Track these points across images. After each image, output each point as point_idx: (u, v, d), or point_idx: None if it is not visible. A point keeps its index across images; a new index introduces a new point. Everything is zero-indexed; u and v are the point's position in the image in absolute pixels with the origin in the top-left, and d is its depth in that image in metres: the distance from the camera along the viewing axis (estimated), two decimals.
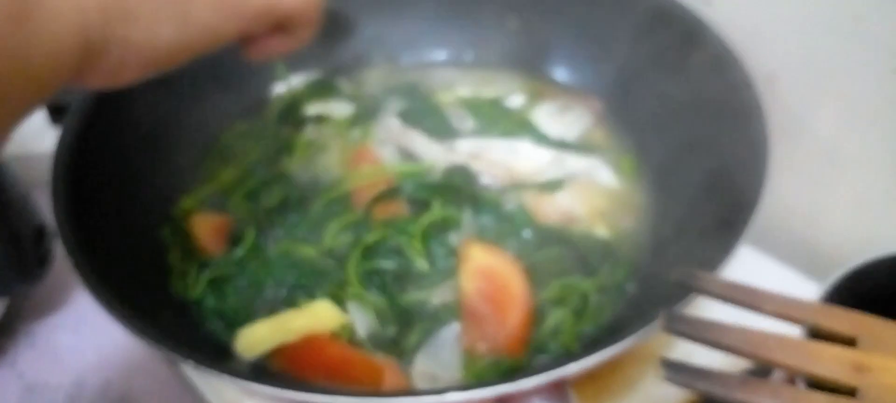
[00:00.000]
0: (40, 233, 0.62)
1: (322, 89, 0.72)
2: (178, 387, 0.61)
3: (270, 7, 0.43)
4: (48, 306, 0.67)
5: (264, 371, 0.51)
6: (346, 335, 0.52)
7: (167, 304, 0.55)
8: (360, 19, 0.71)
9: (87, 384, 0.62)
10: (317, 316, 0.53)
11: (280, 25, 0.45)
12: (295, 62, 0.72)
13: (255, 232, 0.59)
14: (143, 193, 0.59)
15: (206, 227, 0.60)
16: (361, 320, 0.53)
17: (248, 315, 0.54)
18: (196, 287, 0.56)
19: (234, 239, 0.59)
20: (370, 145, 0.66)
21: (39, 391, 0.61)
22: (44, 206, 0.59)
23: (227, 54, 0.67)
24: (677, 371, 0.31)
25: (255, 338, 0.52)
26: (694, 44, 0.60)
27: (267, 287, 0.56)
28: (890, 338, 0.33)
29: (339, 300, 0.54)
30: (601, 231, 0.59)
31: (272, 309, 0.54)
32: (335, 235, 0.58)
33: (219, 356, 0.52)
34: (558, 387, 0.38)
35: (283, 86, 0.72)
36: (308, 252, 0.57)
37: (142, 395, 0.61)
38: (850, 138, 0.60)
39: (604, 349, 0.39)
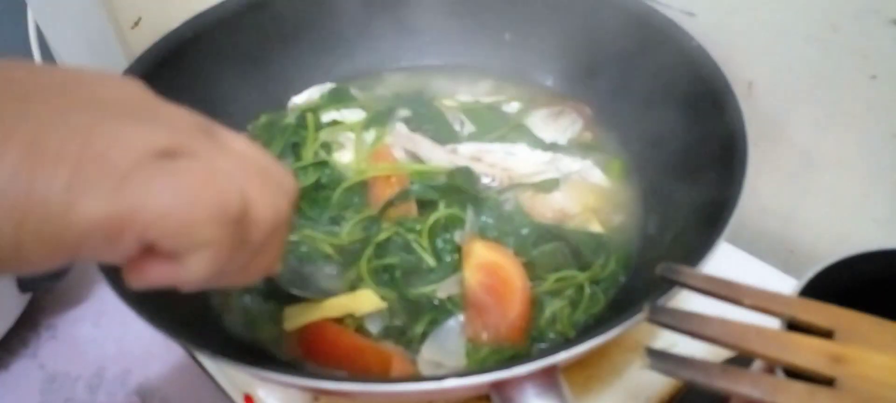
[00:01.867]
0: None
1: (337, 98, 0.73)
2: (195, 376, 0.61)
3: (118, 226, 0.25)
4: (69, 300, 0.67)
5: (277, 360, 0.51)
6: (355, 325, 0.53)
7: (185, 296, 0.54)
8: (372, 32, 0.72)
9: (106, 374, 0.62)
10: (357, 299, 0.54)
11: (151, 250, 0.27)
12: (311, 75, 0.74)
13: None
14: None
15: None
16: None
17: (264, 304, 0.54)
18: None
19: None
20: (386, 146, 0.67)
21: (60, 380, 0.61)
22: None
23: (253, 59, 0.69)
24: (661, 360, 0.31)
25: (301, 311, 0.53)
26: (677, 53, 0.60)
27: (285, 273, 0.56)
28: (866, 331, 0.33)
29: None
30: (594, 227, 0.60)
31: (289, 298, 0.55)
32: (351, 231, 0.59)
33: (234, 346, 0.52)
34: (549, 374, 0.38)
35: (302, 97, 0.73)
36: (324, 246, 0.58)
37: (160, 384, 0.61)
38: (827, 141, 0.60)
39: (591, 338, 0.40)
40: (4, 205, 0.24)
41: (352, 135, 0.68)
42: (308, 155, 0.65)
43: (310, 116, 0.68)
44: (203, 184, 0.27)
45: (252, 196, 0.29)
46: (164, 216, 0.26)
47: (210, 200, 0.27)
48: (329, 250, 0.58)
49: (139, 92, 0.30)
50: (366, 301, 0.54)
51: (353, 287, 0.55)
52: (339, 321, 0.53)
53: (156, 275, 0.28)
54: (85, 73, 0.29)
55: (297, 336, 0.52)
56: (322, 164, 0.64)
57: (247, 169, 0.30)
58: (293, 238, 0.59)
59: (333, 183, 0.62)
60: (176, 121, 0.29)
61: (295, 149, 0.66)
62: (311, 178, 0.62)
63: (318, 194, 0.62)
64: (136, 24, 0.74)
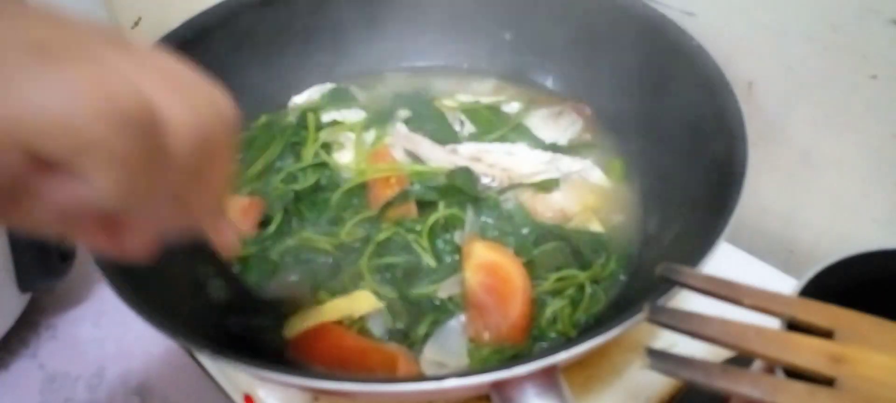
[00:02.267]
0: None
1: (337, 98, 0.73)
2: (195, 376, 0.61)
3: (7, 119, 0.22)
4: (69, 300, 0.67)
5: (278, 360, 0.51)
6: (357, 328, 0.53)
7: (186, 297, 0.55)
8: (372, 33, 0.72)
9: (106, 374, 0.62)
10: (356, 301, 0.54)
11: (44, 163, 0.23)
12: (310, 76, 0.74)
13: (282, 215, 0.59)
14: None
15: (237, 208, 0.61)
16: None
17: (265, 304, 0.55)
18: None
19: (262, 224, 0.60)
20: (386, 146, 0.67)
21: (60, 380, 0.61)
22: None
23: (253, 59, 0.69)
24: (661, 360, 0.31)
25: (302, 316, 0.53)
26: (677, 53, 0.60)
27: (284, 275, 0.57)
28: (866, 331, 0.33)
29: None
30: (594, 226, 0.60)
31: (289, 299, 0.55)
32: (350, 230, 0.59)
33: (235, 346, 0.52)
34: (549, 374, 0.38)
35: (302, 97, 0.73)
36: (324, 244, 0.58)
37: (160, 384, 0.61)
38: (827, 141, 0.60)
39: (591, 339, 0.40)
40: None
41: (352, 136, 0.68)
42: (308, 155, 0.65)
43: (310, 116, 0.68)
44: (93, 83, 0.23)
45: (160, 99, 0.25)
46: (48, 122, 0.22)
47: (96, 94, 0.23)
48: (328, 248, 0.58)
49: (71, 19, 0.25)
50: (363, 302, 0.54)
51: (352, 286, 0.55)
52: (340, 324, 0.53)
53: (59, 197, 0.24)
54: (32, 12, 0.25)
55: (298, 342, 0.52)
56: (321, 166, 0.64)
57: (157, 75, 0.26)
58: (290, 242, 0.58)
59: (333, 184, 0.63)
60: (83, 26, 0.25)
61: (295, 148, 0.66)
62: (310, 180, 0.62)
63: (317, 196, 0.62)
64: (136, 24, 0.74)
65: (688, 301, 0.43)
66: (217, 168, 0.29)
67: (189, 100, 0.26)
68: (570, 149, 0.67)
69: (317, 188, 0.62)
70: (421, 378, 0.49)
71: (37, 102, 0.22)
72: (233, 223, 0.37)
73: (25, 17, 0.24)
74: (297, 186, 0.62)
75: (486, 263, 0.54)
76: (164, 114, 0.25)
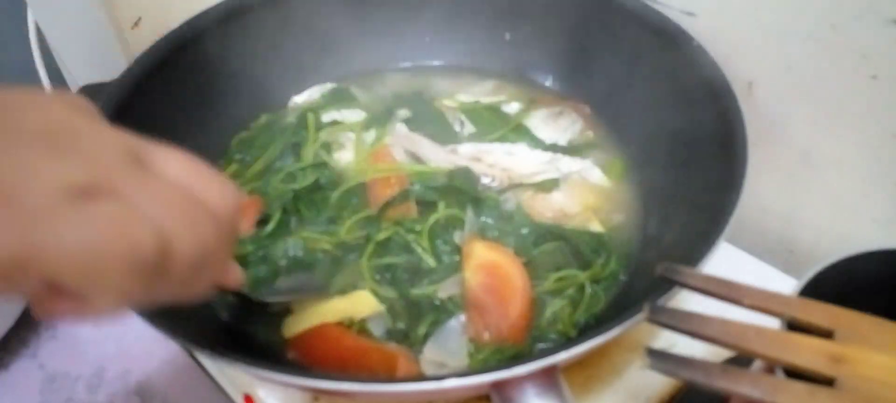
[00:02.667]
0: None
1: (337, 98, 0.73)
2: (195, 376, 0.61)
3: (21, 265, 0.24)
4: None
5: (278, 360, 0.51)
6: (357, 328, 0.53)
7: None
8: (373, 33, 0.72)
9: (106, 373, 0.62)
10: (356, 302, 0.54)
11: (57, 289, 0.26)
12: (312, 75, 0.74)
13: (280, 214, 0.59)
14: None
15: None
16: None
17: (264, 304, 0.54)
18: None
19: (261, 222, 0.60)
20: (386, 146, 0.67)
21: (60, 380, 0.61)
22: None
23: (254, 59, 0.69)
24: (661, 360, 0.31)
25: (301, 317, 0.53)
26: (677, 53, 0.60)
27: (283, 274, 0.57)
28: (866, 331, 0.33)
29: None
30: (594, 226, 0.60)
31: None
32: (350, 229, 0.59)
33: (234, 346, 0.52)
34: (549, 374, 0.38)
35: (302, 97, 0.73)
36: (324, 243, 0.58)
37: (159, 384, 0.61)
38: (827, 141, 0.60)
39: (591, 339, 0.40)
40: None
41: (352, 136, 0.68)
42: (308, 155, 0.65)
43: (310, 117, 0.68)
44: (117, 230, 0.25)
45: (172, 233, 0.27)
46: (70, 263, 0.24)
47: (121, 249, 0.25)
48: (328, 247, 0.58)
49: (68, 115, 0.27)
50: (363, 303, 0.54)
51: (352, 286, 0.55)
52: (340, 324, 0.53)
53: (60, 311, 0.27)
54: (17, 96, 0.27)
55: (298, 343, 0.52)
56: (321, 165, 0.64)
57: (171, 202, 0.28)
58: (290, 241, 0.58)
59: (332, 184, 0.62)
60: (101, 151, 0.27)
61: (295, 148, 0.66)
62: (309, 179, 0.62)
63: (316, 195, 0.62)
64: (136, 24, 0.74)
65: (688, 301, 0.43)
66: (217, 260, 0.31)
67: (193, 223, 0.29)
68: (570, 149, 0.67)
69: (316, 187, 0.62)
70: (421, 378, 0.49)
71: (62, 242, 0.24)
72: (235, 266, 0.38)
73: (50, 136, 0.26)
74: (296, 185, 0.62)
75: (486, 263, 0.54)
76: (173, 246, 0.27)
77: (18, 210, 0.24)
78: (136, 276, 0.26)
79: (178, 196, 0.29)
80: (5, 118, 0.26)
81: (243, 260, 0.57)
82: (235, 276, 0.39)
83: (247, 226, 0.59)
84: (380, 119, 0.70)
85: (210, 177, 0.31)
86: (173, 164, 0.30)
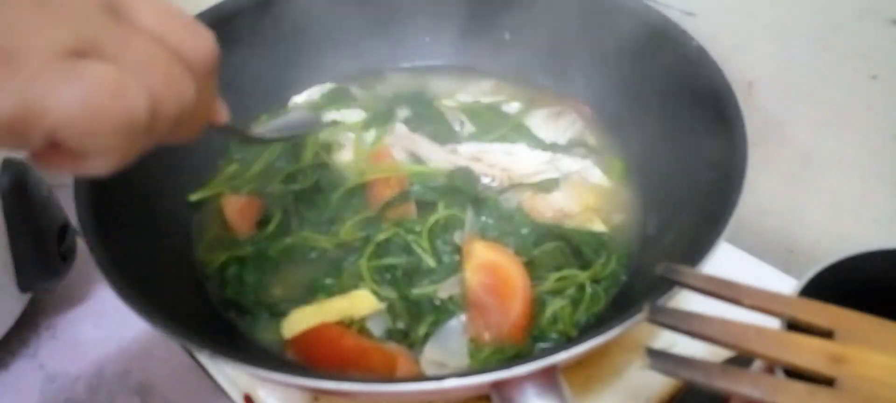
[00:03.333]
0: (63, 231, 0.62)
1: (337, 98, 0.73)
2: (195, 376, 0.61)
3: (23, 121, 0.26)
4: (70, 300, 0.67)
5: (278, 360, 0.51)
6: (357, 328, 0.53)
7: (185, 297, 0.55)
8: (373, 33, 0.72)
9: (106, 373, 0.62)
10: (355, 301, 0.54)
11: (57, 145, 0.28)
12: (311, 75, 0.74)
13: (281, 215, 0.59)
14: (165, 190, 0.59)
15: (235, 207, 0.61)
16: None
17: (264, 304, 0.55)
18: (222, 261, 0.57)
19: (261, 223, 0.60)
20: (386, 146, 0.67)
21: (60, 380, 0.61)
22: (67, 205, 0.58)
23: (253, 59, 0.69)
24: (661, 360, 0.31)
25: (300, 317, 0.53)
26: (677, 53, 0.60)
27: (283, 274, 0.57)
28: (866, 331, 0.33)
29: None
30: (596, 226, 0.60)
31: (288, 299, 0.55)
32: (350, 230, 0.59)
33: (235, 345, 0.52)
34: (549, 374, 0.38)
35: (302, 97, 0.73)
36: (324, 243, 0.58)
37: (160, 384, 0.61)
38: (826, 141, 0.60)
39: (591, 339, 0.40)
40: None
41: (352, 135, 0.68)
42: (308, 156, 0.65)
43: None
44: (111, 94, 0.27)
45: (158, 95, 0.29)
46: (70, 121, 0.27)
47: (117, 112, 0.27)
48: (328, 247, 0.58)
49: None
50: (363, 302, 0.53)
51: (352, 286, 0.55)
52: (340, 324, 0.53)
53: (59, 164, 0.29)
54: None
55: (298, 342, 0.52)
56: (321, 166, 0.64)
57: (154, 61, 0.30)
58: (290, 241, 0.58)
59: (332, 185, 0.62)
60: (82, 5, 0.28)
61: (295, 150, 0.66)
62: (310, 180, 0.62)
63: (316, 196, 0.62)
64: None
65: (688, 301, 0.43)
66: (200, 111, 0.33)
67: (176, 81, 0.31)
68: (570, 149, 0.67)
69: (316, 188, 0.62)
70: (421, 378, 0.49)
71: (63, 100, 0.26)
72: (220, 104, 0.39)
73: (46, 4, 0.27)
74: (297, 186, 0.62)
75: (487, 263, 0.54)
76: (159, 107, 0.29)
77: (21, 68, 0.26)
78: (130, 135, 0.28)
79: (160, 54, 0.30)
80: None
81: (243, 262, 0.57)
82: (221, 114, 0.39)
83: (247, 228, 0.60)
84: (380, 119, 0.70)
85: (184, 24, 0.32)
86: (147, 13, 0.31)
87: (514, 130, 0.69)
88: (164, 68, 0.30)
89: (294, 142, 0.58)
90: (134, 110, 0.28)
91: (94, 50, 0.28)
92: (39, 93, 0.26)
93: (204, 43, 0.33)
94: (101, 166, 0.29)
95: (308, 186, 0.62)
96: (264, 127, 0.57)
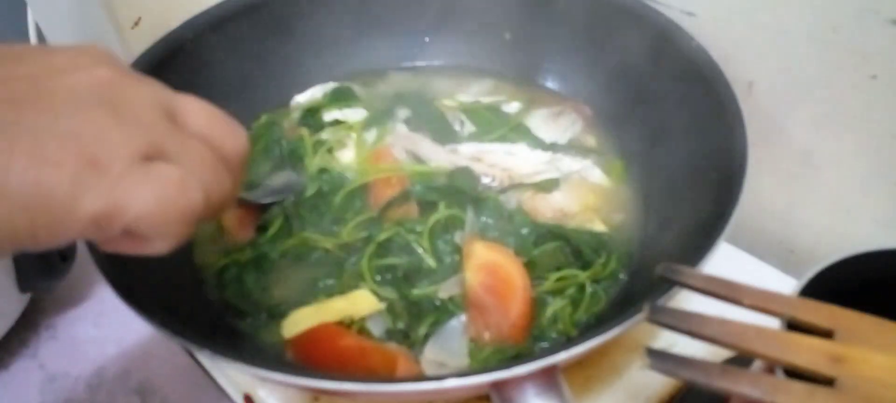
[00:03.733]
0: None
1: (339, 97, 0.73)
2: (195, 376, 0.61)
3: (108, 218, 0.31)
4: (70, 300, 0.67)
5: (278, 360, 0.51)
6: (357, 328, 0.53)
7: (186, 297, 0.55)
8: (373, 32, 0.72)
9: (106, 374, 0.62)
10: (355, 301, 0.54)
11: (129, 232, 0.32)
12: (312, 74, 0.74)
13: (282, 220, 0.59)
14: None
15: (234, 215, 0.61)
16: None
17: (263, 304, 0.55)
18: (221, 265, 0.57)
19: (260, 228, 0.60)
20: (387, 145, 0.67)
21: (60, 380, 0.61)
22: None
23: (254, 59, 0.69)
24: (661, 360, 0.31)
25: (300, 317, 0.53)
26: (676, 53, 0.60)
27: (283, 275, 0.57)
28: (866, 331, 0.33)
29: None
30: (596, 226, 0.60)
31: (289, 300, 0.55)
32: (352, 231, 0.59)
33: (235, 345, 0.52)
34: (549, 374, 0.38)
35: (304, 96, 0.73)
36: (325, 244, 0.58)
37: (160, 384, 0.61)
38: (826, 141, 0.60)
39: (591, 338, 0.40)
40: (20, 204, 0.29)
41: (353, 135, 0.68)
42: (310, 167, 0.65)
43: (306, 133, 0.68)
44: (177, 190, 0.32)
45: (209, 188, 0.34)
46: (147, 216, 0.31)
47: (181, 206, 0.32)
48: (329, 248, 0.58)
49: (107, 73, 0.33)
50: (363, 302, 0.54)
51: (353, 286, 0.55)
52: (340, 324, 0.53)
53: (126, 248, 0.34)
54: (55, 58, 0.33)
55: (298, 342, 0.52)
56: (322, 171, 0.64)
57: (204, 160, 0.35)
58: (290, 242, 0.59)
59: (334, 188, 0.62)
60: (146, 112, 0.33)
61: (292, 156, 0.66)
62: (312, 188, 0.62)
63: (318, 200, 0.61)
64: (136, 24, 0.74)
65: (688, 301, 0.43)
66: (231, 197, 0.38)
67: (222, 176, 0.35)
68: (570, 149, 0.67)
69: (318, 193, 0.62)
70: (421, 378, 0.49)
71: (141, 200, 0.31)
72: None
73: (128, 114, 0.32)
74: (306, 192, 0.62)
75: (487, 263, 0.54)
76: (211, 198, 0.34)
77: (107, 173, 0.30)
78: (190, 222, 0.33)
79: (208, 154, 0.35)
80: (57, 85, 0.32)
81: (242, 265, 0.57)
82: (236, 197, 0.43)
83: (246, 233, 0.60)
84: (380, 118, 0.70)
85: (224, 125, 0.37)
86: (196, 116, 0.36)
87: (514, 130, 0.69)
88: (212, 165, 0.35)
89: (281, 201, 0.60)
90: (195, 202, 0.33)
91: (160, 153, 0.32)
92: (122, 193, 0.30)
93: (241, 141, 0.38)
94: (162, 247, 0.34)
95: (310, 194, 0.62)
96: (252, 192, 0.59)
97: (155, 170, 0.32)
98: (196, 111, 0.36)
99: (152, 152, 0.32)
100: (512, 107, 0.72)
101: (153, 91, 0.35)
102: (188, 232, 0.34)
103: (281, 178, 0.62)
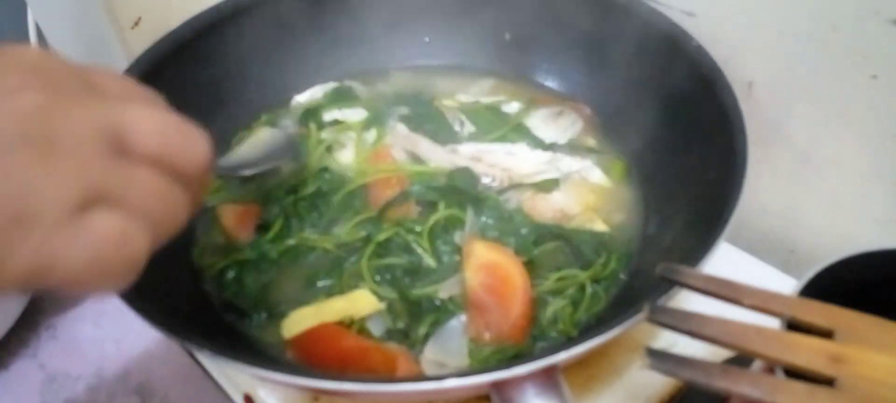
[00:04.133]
0: None
1: (340, 97, 0.73)
2: (195, 376, 0.61)
3: (40, 277, 0.28)
4: (70, 300, 0.67)
5: (278, 360, 0.51)
6: (357, 328, 0.53)
7: (186, 297, 0.55)
8: (373, 32, 0.72)
9: (106, 374, 0.62)
10: (355, 301, 0.54)
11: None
12: (312, 74, 0.74)
13: (282, 220, 0.59)
14: None
15: (233, 215, 0.60)
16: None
17: (263, 305, 0.55)
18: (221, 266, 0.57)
19: (260, 228, 0.60)
20: (387, 146, 0.67)
21: (60, 380, 0.61)
22: None
23: (254, 59, 0.69)
24: (661, 360, 0.31)
25: (300, 317, 0.53)
26: (676, 53, 0.60)
27: (283, 275, 0.57)
28: (866, 331, 0.33)
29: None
30: (597, 226, 0.60)
31: (289, 300, 0.55)
32: (351, 231, 0.59)
33: (234, 345, 0.52)
34: (549, 374, 0.38)
35: (304, 96, 0.73)
36: (325, 244, 0.58)
37: (160, 384, 0.61)
38: (826, 141, 0.60)
39: (591, 339, 0.40)
40: None
41: (352, 135, 0.68)
42: (311, 164, 0.65)
43: (312, 130, 0.68)
44: (115, 246, 0.29)
45: (159, 222, 0.31)
46: (81, 274, 0.28)
47: (121, 258, 0.29)
48: (329, 248, 0.58)
49: (36, 101, 0.28)
50: (363, 302, 0.54)
51: (353, 286, 0.55)
52: (340, 324, 0.53)
53: (65, 297, 0.33)
54: None
55: (298, 342, 0.52)
56: (322, 170, 0.64)
57: (154, 192, 0.31)
58: (290, 242, 0.59)
59: (333, 188, 0.62)
60: (82, 147, 0.28)
61: (296, 155, 0.66)
62: (311, 187, 0.62)
63: (317, 200, 0.61)
64: (136, 24, 0.74)
65: (688, 301, 0.43)
66: (193, 209, 0.35)
67: (176, 203, 0.32)
68: (571, 149, 0.67)
69: (318, 193, 0.62)
70: (421, 378, 0.49)
71: (75, 255, 0.28)
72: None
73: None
74: (297, 194, 0.62)
75: (487, 263, 0.54)
76: (160, 231, 0.31)
77: (32, 231, 0.27)
78: (131, 273, 0.30)
79: (158, 183, 0.31)
80: None
81: (243, 265, 0.57)
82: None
83: (246, 234, 0.59)
84: (380, 118, 0.70)
85: (181, 137, 0.33)
86: (147, 135, 0.31)
87: (515, 130, 0.69)
88: (162, 195, 0.31)
89: (271, 166, 0.59)
90: (137, 251, 0.30)
91: (100, 196, 0.29)
92: (53, 252, 0.27)
93: (200, 151, 0.34)
94: (103, 293, 0.31)
95: (310, 193, 0.62)
96: (233, 156, 0.57)
97: (91, 223, 0.28)
98: (147, 128, 0.31)
99: (91, 196, 0.28)
100: (512, 107, 0.72)
101: (93, 115, 0.29)
102: (133, 277, 0.31)
103: (277, 139, 0.60)
